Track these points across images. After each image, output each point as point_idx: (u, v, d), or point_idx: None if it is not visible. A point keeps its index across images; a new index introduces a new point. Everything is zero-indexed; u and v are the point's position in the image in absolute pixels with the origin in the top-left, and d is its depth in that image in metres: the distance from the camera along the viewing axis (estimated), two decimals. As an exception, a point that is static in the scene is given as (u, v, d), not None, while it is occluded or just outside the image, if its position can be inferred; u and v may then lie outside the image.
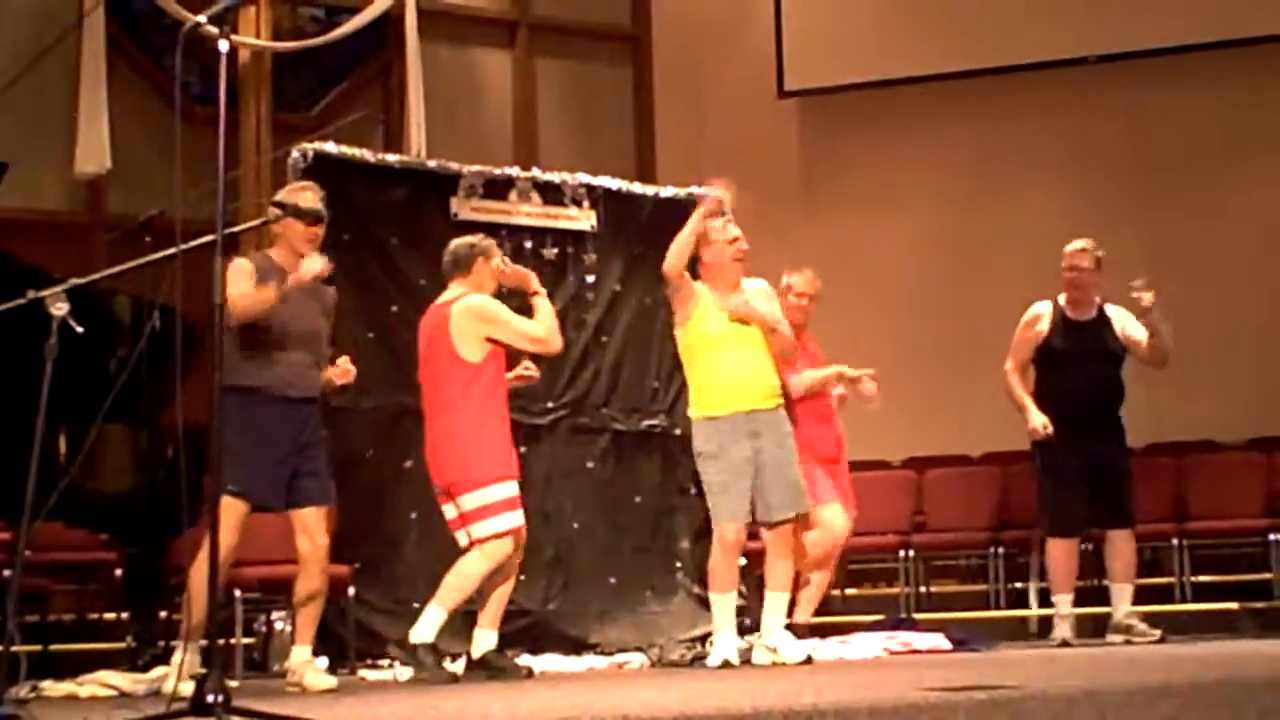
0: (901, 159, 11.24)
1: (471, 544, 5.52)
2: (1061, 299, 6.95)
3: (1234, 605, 7.99)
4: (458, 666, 5.67)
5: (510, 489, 5.54)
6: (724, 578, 5.84)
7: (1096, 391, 6.78)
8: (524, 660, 6.42)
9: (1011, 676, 4.04)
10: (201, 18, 3.83)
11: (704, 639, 6.73)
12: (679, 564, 7.37)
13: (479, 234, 5.97)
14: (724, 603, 5.85)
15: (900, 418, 10.82)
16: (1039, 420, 6.68)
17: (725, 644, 5.80)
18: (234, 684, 4.07)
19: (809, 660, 5.74)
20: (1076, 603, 6.87)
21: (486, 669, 5.54)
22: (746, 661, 5.86)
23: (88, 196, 9.86)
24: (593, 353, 7.39)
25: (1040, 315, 6.90)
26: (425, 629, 5.48)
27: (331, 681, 5.22)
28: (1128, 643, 6.54)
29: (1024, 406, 6.77)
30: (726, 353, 5.81)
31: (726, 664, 5.73)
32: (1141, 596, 7.46)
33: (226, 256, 3.70)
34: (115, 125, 9.42)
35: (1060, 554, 6.79)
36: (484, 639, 5.60)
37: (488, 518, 5.49)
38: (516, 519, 5.54)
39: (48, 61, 9.39)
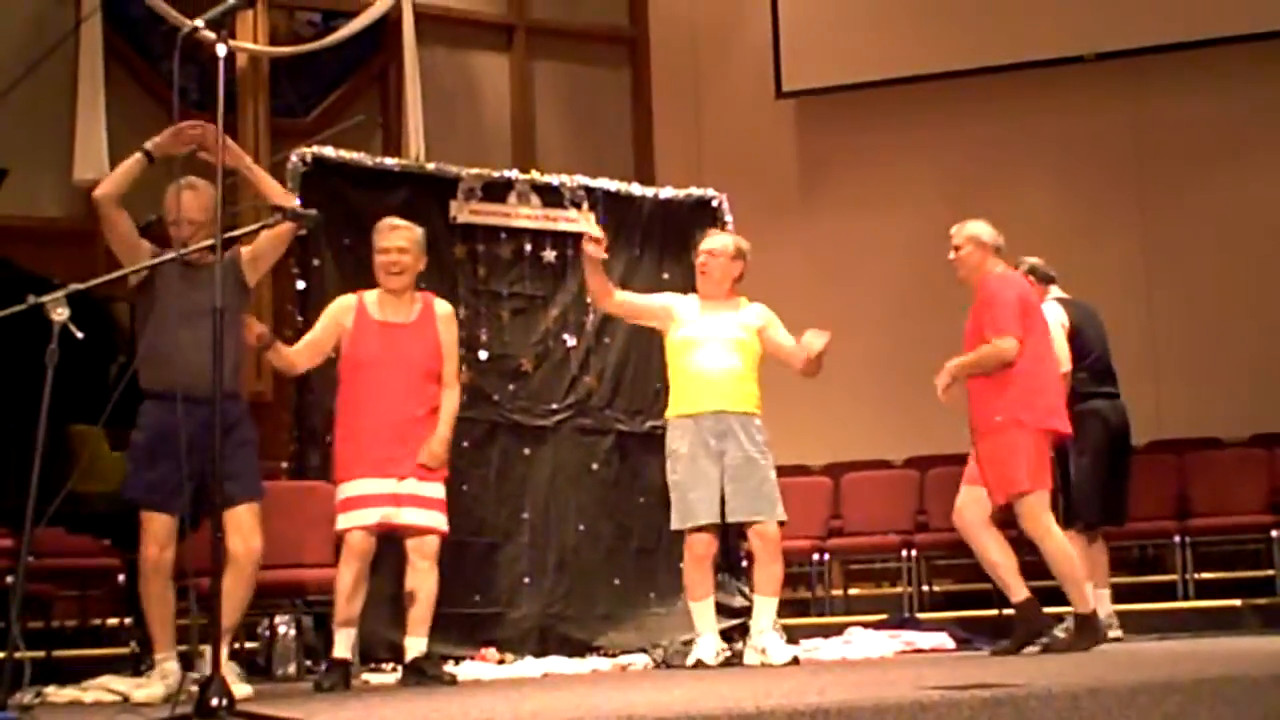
0: (899, 158, 11.25)
1: None
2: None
3: (1237, 602, 7.98)
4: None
5: (351, 488, 5.48)
6: (695, 586, 6.01)
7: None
8: (527, 663, 6.44)
9: (1016, 675, 4.04)
10: (199, 22, 3.83)
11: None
12: (683, 565, 7.35)
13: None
14: (699, 610, 6.01)
15: (901, 417, 10.85)
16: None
17: (704, 646, 5.96)
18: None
19: (795, 661, 5.83)
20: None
21: (414, 675, 5.51)
22: (731, 662, 5.92)
23: (87, 203, 9.84)
24: (595, 354, 7.38)
25: None
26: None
27: (247, 690, 4.99)
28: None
29: None
30: (699, 355, 5.94)
31: (700, 663, 5.86)
32: (1144, 594, 7.47)
33: (224, 260, 3.69)
34: (113, 131, 9.43)
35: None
36: (413, 645, 5.56)
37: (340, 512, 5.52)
38: (351, 519, 5.45)
39: (45, 68, 9.39)
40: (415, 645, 5.54)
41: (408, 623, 5.55)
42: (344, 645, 5.45)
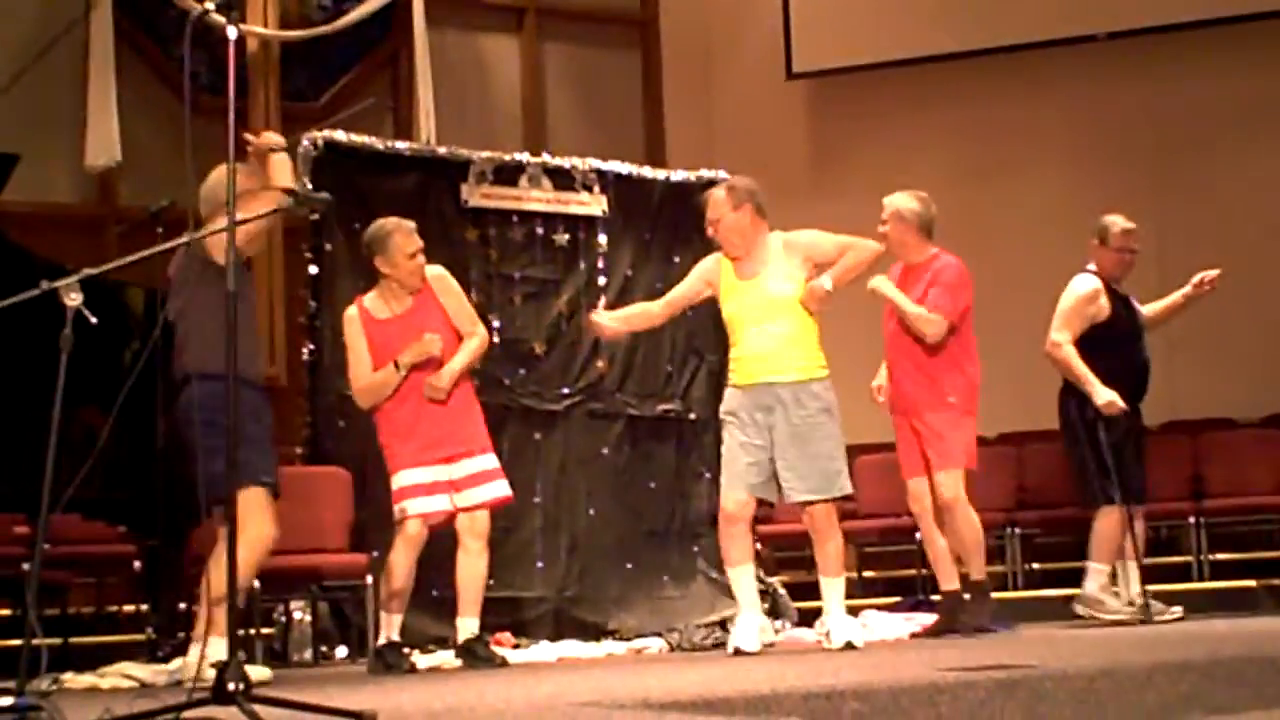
0: (910, 140, 11.19)
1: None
2: (1091, 266, 6.81)
3: (1252, 583, 7.97)
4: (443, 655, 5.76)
5: (409, 476, 5.56)
6: (731, 550, 5.63)
7: (1147, 369, 6.76)
8: (542, 647, 6.45)
9: (1030, 656, 4.04)
10: (209, 5, 3.82)
11: (723, 623, 6.73)
12: (696, 548, 7.37)
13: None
14: (737, 576, 5.63)
15: (914, 399, 10.83)
16: (1111, 395, 6.47)
17: (744, 625, 5.53)
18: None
19: (850, 646, 5.44)
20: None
21: (466, 656, 5.58)
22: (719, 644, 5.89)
23: (99, 189, 9.86)
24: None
25: (1099, 290, 6.67)
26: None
27: (265, 673, 5.02)
28: (1143, 621, 6.50)
29: (1090, 381, 6.49)
30: (747, 328, 5.68)
31: (739, 651, 5.43)
32: (1159, 575, 7.44)
33: (237, 244, 3.68)
34: (124, 117, 9.41)
35: (1120, 524, 6.56)
36: (464, 626, 5.62)
37: (396, 502, 5.61)
38: (415, 506, 5.55)
39: (56, 54, 9.39)
40: (467, 626, 5.60)
41: (459, 604, 5.61)
42: (395, 628, 5.54)
